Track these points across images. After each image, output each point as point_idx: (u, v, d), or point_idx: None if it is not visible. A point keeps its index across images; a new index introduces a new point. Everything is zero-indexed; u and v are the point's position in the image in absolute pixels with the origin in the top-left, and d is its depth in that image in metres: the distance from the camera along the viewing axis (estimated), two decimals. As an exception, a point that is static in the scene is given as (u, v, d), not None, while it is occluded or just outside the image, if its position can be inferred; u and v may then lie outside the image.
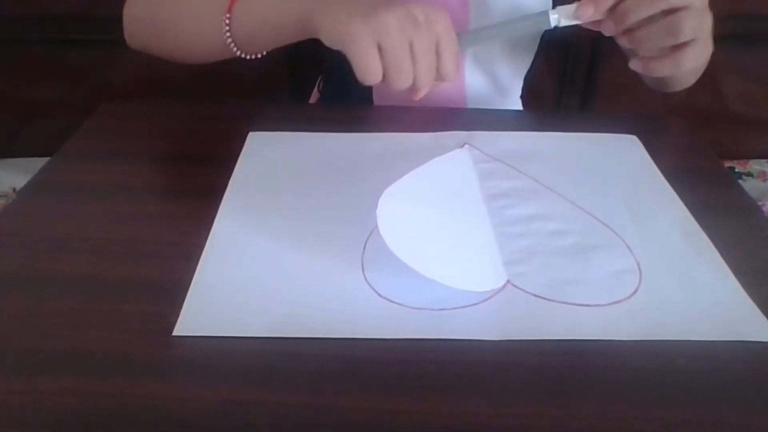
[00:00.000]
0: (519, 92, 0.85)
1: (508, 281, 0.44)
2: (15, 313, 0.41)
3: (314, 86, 0.96)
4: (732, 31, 1.58)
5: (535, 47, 0.77)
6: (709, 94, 1.60)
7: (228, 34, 0.54)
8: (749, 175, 1.64)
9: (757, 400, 0.36)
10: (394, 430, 0.34)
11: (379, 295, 0.43)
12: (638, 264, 0.46)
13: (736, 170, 1.64)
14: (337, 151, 0.60)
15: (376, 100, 0.77)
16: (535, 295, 0.43)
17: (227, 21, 0.53)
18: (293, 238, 0.48)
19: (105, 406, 0.35)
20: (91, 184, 0.55)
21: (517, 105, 0.87)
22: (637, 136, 0.63)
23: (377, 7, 0.47)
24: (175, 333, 0.40)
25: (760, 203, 1.51)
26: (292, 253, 0.46)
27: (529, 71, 0.81)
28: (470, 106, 0.76)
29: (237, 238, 0.48)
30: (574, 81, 1.48)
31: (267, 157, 0.59)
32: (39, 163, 0.59)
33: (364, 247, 0.47)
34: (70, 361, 0.38)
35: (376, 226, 0.43)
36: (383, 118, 0.69)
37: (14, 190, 1.61)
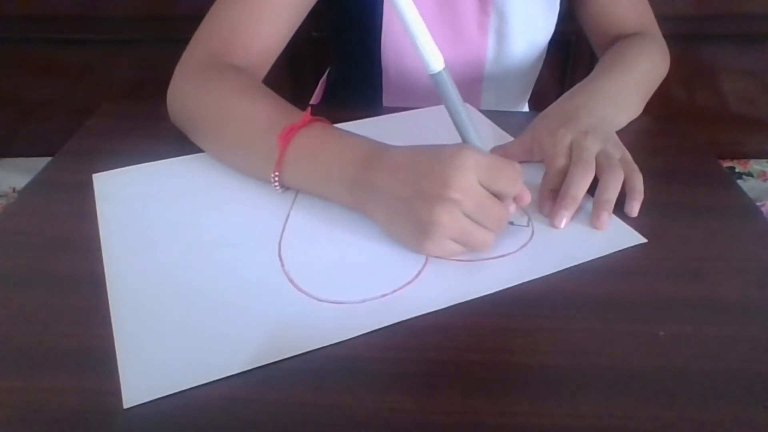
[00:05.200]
0: (527, 98, 0.90)
1: (426, 257, 0.45)
2: (15, 312, 0.41)
3: (314, 87, 0.97)
4: (732, 31, 1.59)
5: (541, 64, 0.83)
6: (709, 94, 1.60)
7: (277, 185, 0.50)
8: (749, 175, 1.64)
9: (756, 399, 0.36)
10: (395, 429, 0.34)
11: (319, 300, 0.42)
12: (525, 210, 0.51)
13: (736, 170, 1.64)
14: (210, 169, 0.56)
15: (386, 101, 0.77)
16: (456, 260, 0.45)
17: (276, 178, 0.50)
18: (210, 274, 0.44)
19: (106, 405, 0.35)
20: (91, 184, 0.55)
21: (524, 109, 0.92)
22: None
23: (432, 218, 0.42)
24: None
25: (760, 203, 1.51)
26: (211, 289, 0.43)
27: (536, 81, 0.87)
28: None
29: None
30: (574, 81, 1.48)
31: (122, 196, 0.53)
32: (39, 163, 0.59)
33: (281, 260, 0.45)
34: (71, 359, 0.38)
35: (284, 233, 0.46)
36: (383, 119, 0.69)
37: (14, 190, 1.61)
